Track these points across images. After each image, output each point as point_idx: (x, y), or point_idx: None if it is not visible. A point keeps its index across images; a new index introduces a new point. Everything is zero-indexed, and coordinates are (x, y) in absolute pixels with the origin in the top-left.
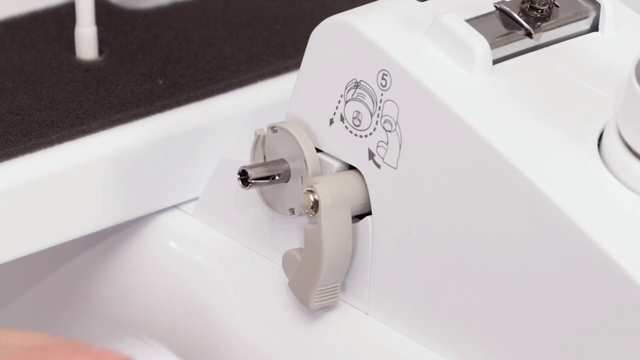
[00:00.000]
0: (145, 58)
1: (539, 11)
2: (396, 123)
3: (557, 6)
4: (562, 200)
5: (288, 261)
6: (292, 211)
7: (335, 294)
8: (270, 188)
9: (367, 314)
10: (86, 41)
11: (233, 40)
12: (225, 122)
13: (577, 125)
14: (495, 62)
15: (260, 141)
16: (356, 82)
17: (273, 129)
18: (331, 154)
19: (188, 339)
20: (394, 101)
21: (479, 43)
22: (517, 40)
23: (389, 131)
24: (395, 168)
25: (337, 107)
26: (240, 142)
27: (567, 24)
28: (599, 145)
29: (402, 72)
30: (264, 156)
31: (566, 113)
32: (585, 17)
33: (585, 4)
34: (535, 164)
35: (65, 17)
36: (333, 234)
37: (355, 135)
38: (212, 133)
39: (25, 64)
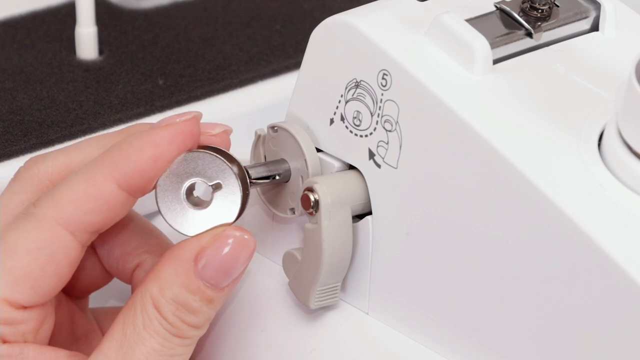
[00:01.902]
0: (145, 58)
1: (539, 11)
2: (396, 123)
3: (558, 6)
4: (562, 200)
5: (288, 261)
6: (292, 211)
7: (335, 293)
8: (270, 188)
9: (367, 313)
10: (86, 41)
11: (233, 40)
12: (225, 121)
13: (577, 125)
14: (495, 61)
15: (260, 141)
16: (356, 81)
17: (273, 128)
18: (331, 154)
19: None
20: (394, 101)
21: (479, 43)
22: (517, 40)
23: (389, 131)
24: (395, 168)
25: (337, 107)
26: (240, 142)
27: (567, 23)
28: (599, 145)
29: (402, 72)
30: (264, 156)
31: (566, 113)
32: (586, 17)
33: (585, 3)
34: (535, 164)
35: (65, 17)
36: (333, 234)
37: (356, 135)
38: None
39: (25, 64)
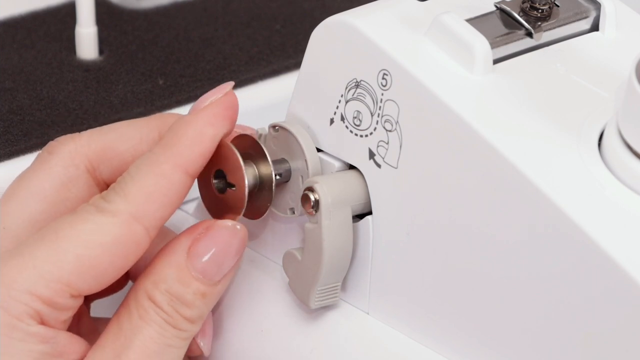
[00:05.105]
0: (145, 58)
1: (540, 11)
2: (396, 123)
3: (558, 6)
4: (562, 200)
5: (288, 261)
6: (292, 211)
7: (336, 293)
8: None
9: (368, 313)
10: (86, 41)
11: (233, 40)
12: None
13: (577, 125)
14: (495, 61)
15: (260, 141)
16: (356, 81)
17: (274, 128)
18: (331, 154)
19: None
20: (394, 101)
21: (480, 43)
22: (518, 40)
23: (390, 131)
24: (395, 168)
25: (337, 107)
26: None
27: (567, 23)
28: (599, 145)
29: (402, 72)
30: None
31: (566, 113)
32: (586, 17)
33: (585, 3)
34: (535, 164)
35: (66, 17)
36: (333, 234)
37: (356, 135)
38: None
39: (26, 63)
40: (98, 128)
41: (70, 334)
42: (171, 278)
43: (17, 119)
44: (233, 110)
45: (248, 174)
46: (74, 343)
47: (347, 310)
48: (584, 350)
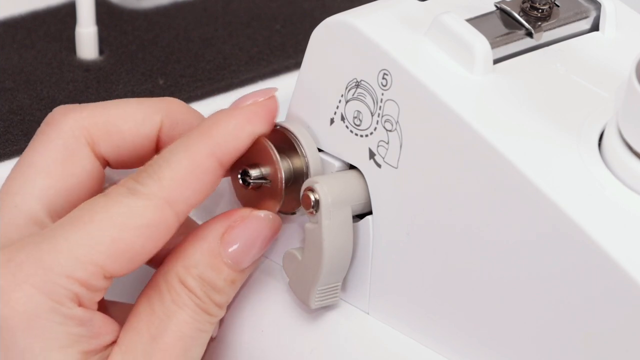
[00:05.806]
0: (145, 58)
1: (540, 11)
2: (397, 122)
3: (558, 6)
4: (562, 200)
5: (288, 261)
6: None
7: (336, 293)
8: None
9: (368, 313)
10: (86, 41)
11: (233, 40)
12: None
13: (578, 125)
14: (495, 61)
15: None
16: (357, 81)
17: (275, 127)
18: (332, 154)
19: None
20: (394, 101)
21: (480, 42)
22: (518, 39)
23: (390, 131)
24: (395, 168)
25: (337, 107)
26: None
27: (567, 23)
28: (599, 145)
29: (402, 72)
30: None
31: (566, 113)
32: (586, 17)
33: (585, 3)
34: (535, 164)
35: (66, 17)
36: (334, 234)
37: (356, 134)
38: None
39: (26, 63)
40: (102, 102)
41: (103, 315)
42: (203, 264)
43: (17, 119)
44: (272, 114)
45: (284, 169)
46: (107, 324)
47: (347, 310)
48: (584, 350)
